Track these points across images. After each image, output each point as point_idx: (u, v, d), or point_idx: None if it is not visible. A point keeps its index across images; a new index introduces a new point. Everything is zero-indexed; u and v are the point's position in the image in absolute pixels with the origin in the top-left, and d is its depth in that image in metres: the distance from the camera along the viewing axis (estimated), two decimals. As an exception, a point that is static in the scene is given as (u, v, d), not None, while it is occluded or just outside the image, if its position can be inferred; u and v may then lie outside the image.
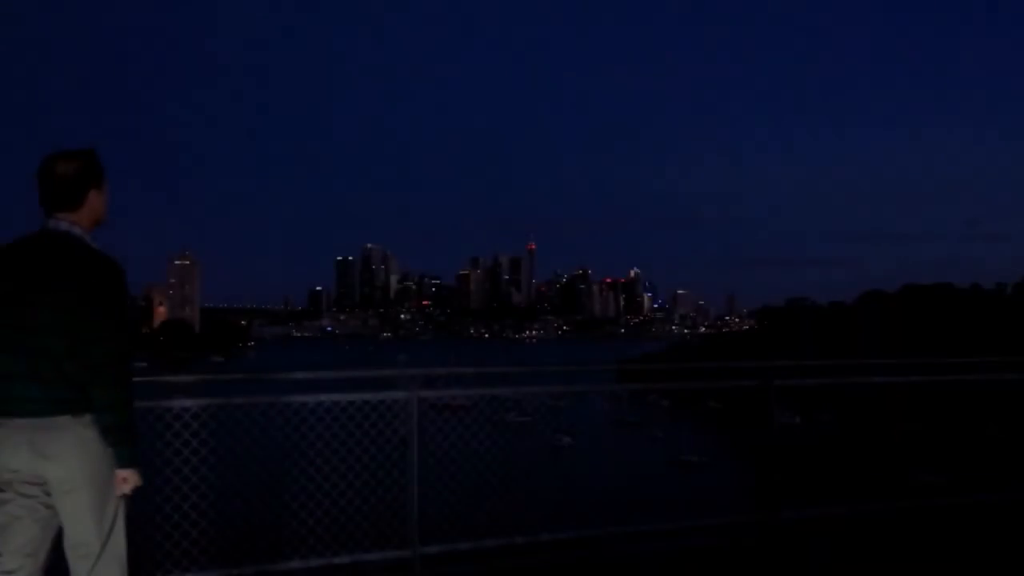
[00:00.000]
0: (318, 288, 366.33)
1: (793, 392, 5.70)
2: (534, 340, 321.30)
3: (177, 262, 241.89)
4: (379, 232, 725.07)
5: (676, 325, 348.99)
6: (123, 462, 2.67)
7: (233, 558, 4.37)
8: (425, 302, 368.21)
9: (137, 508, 3.40)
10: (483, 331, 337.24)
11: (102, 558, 2.64)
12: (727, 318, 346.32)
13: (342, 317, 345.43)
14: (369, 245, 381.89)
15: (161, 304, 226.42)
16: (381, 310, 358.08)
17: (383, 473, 5.41)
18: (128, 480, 2.69)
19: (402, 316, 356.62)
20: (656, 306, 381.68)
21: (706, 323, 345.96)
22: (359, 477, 5.47)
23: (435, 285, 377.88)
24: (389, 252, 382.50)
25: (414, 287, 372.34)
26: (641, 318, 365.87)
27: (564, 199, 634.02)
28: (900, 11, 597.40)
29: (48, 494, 2.62)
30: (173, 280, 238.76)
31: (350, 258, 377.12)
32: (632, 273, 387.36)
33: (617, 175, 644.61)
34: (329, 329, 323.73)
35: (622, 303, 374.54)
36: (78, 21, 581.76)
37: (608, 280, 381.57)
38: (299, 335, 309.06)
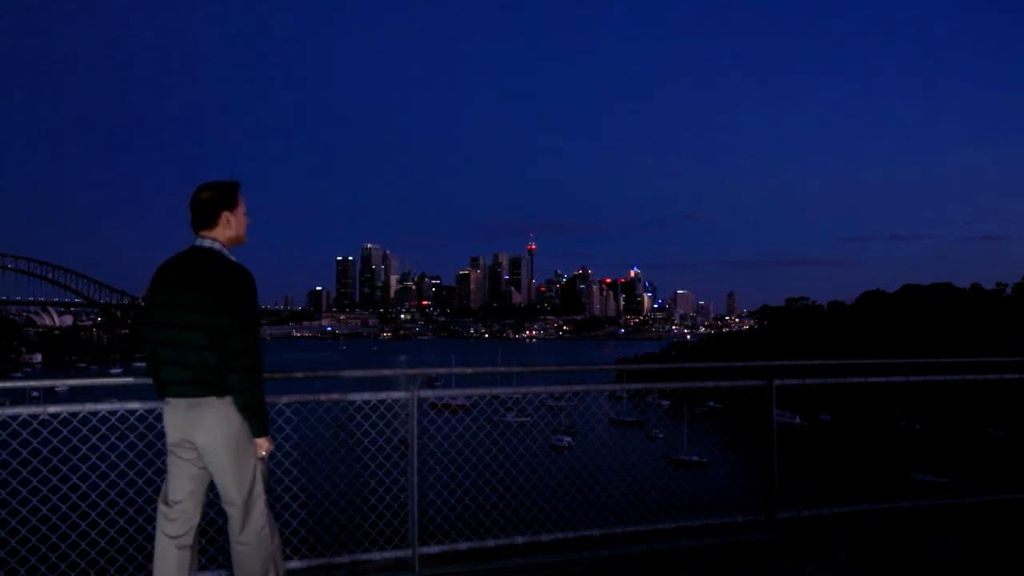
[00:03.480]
0: (318, 288, 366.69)
1: (793, 392, 5.68)
2: (534, 340, 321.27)
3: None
4: (379, 232, 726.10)
5: (676, 325, 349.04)
6: (256, 432, 3.39)
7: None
8: (425, 302, 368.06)
9: (137, 508, 3.41)
10: (483, 331, 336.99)
11: (245, 505, 3.40)
12: (727, 318, 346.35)
13: (342, 317, 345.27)
14: (369, 245, 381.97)
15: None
16: (381, 310, 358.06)
17: (383, 473, 5.41)
18: (262, 446, 3.43)
19: (402, 316, 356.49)
20: (656, 306, 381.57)
21: (706, 323, 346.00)
22: (359, 477, 5.47)
23: (435, 285, 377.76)
24: (389, 252, 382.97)
25: (414, 287, 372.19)
26: (641, 318, 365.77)
27: (564, 199, 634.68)
28: (904, 16, 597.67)
29: (200, 457, 3.37)
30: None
31: (350, 258, 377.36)
32: (632, 273, 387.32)
33: (617, 175, 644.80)
34: (329, 329, 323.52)
35: (622, 303, 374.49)
36: (78, 19, 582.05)
37: (608, 280, 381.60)
38: (299, 335, 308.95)
